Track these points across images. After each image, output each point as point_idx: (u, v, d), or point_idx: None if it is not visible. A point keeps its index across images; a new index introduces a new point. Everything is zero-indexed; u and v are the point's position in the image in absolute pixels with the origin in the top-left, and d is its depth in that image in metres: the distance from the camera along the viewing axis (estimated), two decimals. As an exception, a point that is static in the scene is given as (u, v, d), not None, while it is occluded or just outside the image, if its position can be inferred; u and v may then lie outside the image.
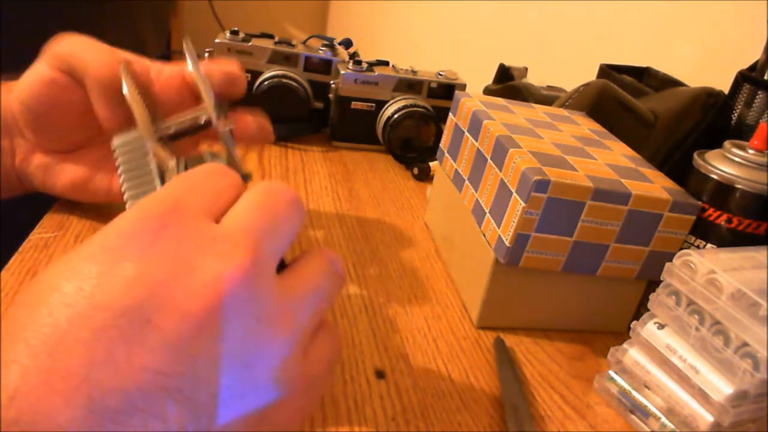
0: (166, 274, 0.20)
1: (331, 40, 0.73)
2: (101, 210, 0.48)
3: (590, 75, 0.66)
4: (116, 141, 0.32)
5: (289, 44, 0.70)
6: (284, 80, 0.68)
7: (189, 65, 0.36)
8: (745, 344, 0.32)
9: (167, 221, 0.21)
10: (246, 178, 0.36)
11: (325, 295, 0.25)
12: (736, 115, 0.53)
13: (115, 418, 0.17)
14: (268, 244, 0.22)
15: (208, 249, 0.21)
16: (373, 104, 0.71)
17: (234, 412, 0.20)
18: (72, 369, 0.17)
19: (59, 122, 0.42)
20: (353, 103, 0.70)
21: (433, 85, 0.71)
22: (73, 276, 0.19)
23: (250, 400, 0.20)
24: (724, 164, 0.41)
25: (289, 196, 0.25)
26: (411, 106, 0.69)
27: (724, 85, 0.55)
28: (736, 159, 0.41)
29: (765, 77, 0.51)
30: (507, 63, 0.76)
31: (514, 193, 0.40)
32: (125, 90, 0.36)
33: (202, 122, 0.34)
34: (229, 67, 0.40)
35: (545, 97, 0.67)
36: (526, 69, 0.76)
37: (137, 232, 0.20)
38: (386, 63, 0.72)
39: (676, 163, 0.55)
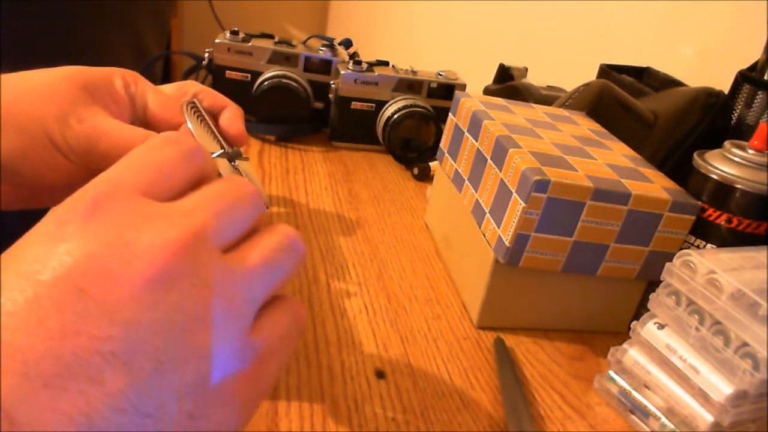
0: (98, 247, 0.20)
1: (331, 40, 0.73)
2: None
3: (590, 75, 0.66)
4: None
5: (289, 44, 0.70)
6: (284, 80, 0.68)
7: (189, 125, 0.40)
8: (745, 344, 0.32)
9: (100, 202, 0.22)
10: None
11: (280, 271, 0.25)
12: (736, 115, 0.53)
13: (51, 382, 0.18)
14: (214, 224, 0.23)
15: (143, 225, 0.21)
16: (373, 104, 0.71)
17: (176, 378, 0.20)
18: (6, 339, 0.18)
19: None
20: (353, 103, 0.70)
21: (433, 85, 0.71)
22: (13, 261, 0.20)
23: (192, 366, 0.21)
24: (724, 164, 0.41)
25: (249, 188, 0.25)
26: (411, 106, 0.69)
27: (724, 85, 0.55)
28: (736, 159, 0.41)
29: (765, 77, 0.51)
30: (507, 63, 0.76)
31: (514, 193, 0.40)
32: (190, 127, 0.40)
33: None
34: (237, 129, 0.45)
35: (545, 97, 0.67)
36: (526, 69, 0.76)
37: (70, 216, 0.21)
38: (386, 63, 0.72)
39: (676, 163, 0.55)
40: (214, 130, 0.44)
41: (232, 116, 0.46)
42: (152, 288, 0.20)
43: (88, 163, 0.37)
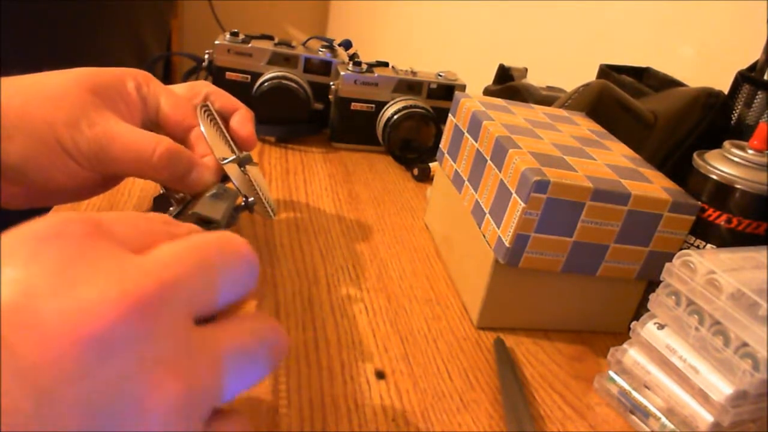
0: (43, 286, 0.16)
1: (330, 41, 0.73)
2: (103, 208, 0.48)
3: (590, 75, 0.66)
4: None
5: (289, 45, 0.70)
6: (284, 81, 0.68)
7: (202, 129, 0.40)
8: (745, 344, 0.32)
9: (63, 230, 0.18)
10: (249, 206, 0.40)
11: (252, 363, 0.20)
12: (735, 115, 0.53)
13: None
14: (190, 282, 0.19)
15: (105, 269, 0.17)
16: (373, 105, 0.71)
17: None
18: None
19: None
20: (353, 104, 0.70)
21: (433, 85, 0.71)
22: None
23: None
24: (724, 164, 0.41)
25: (243, 251, 0.21)
26: (411, 107, 0.69)
27: (724, 85, 0.55)
28: (736, 159, 0.41)
29: (765, 77, 0.51)
30: (507, 63, 0.76)
31: (514, 194, 0.40)
32: (203, 130, 0.41)
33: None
34: (247, 132, 0.45)
35: (545, 98, 0.67)
36: (526, 69, 0.76)
37: (25, 236, 0.18)
38: (386, 64, 0.72)
39: (676, 163, 0.55)
40: (226, 134, 0.44)
41: (242, 119, 0.45)
42: (86, 351, 0.16)
43: (99, 168, 0.37)
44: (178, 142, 0.39)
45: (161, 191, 0.42)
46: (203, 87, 0.45)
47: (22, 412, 0.15)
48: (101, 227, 0.19)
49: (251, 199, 0.41)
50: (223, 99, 0.45)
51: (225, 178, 0.41)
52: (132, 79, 0.40)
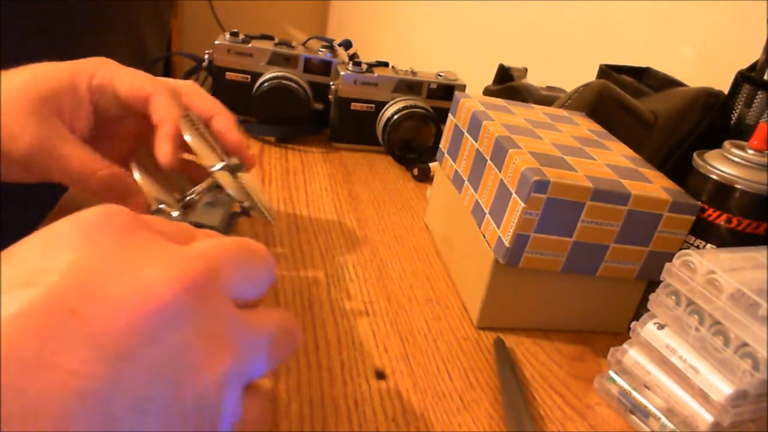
0: (104, 265, 0.18)
1: (330, 41, 0.73)
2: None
3: (590, 75, 0.66)
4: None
5: (289, 46, 0.70)
6: (284, 81, 0.68)
7: (187, 138, 0.39)
8: (745, 344, 0.32)
9: (117, 218, 0.20)
10: (245, 211, 0.40)
11: (275, 348, 0.23)
12: (735, 115, 0.53)
13: (8, 421, 0.15)
14: (227, 272, 0.21)
15: (159, 256, 0.19)
16: (373, 105, 0.71)
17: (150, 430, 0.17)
18: None
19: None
20: (353, 104, 0.70)
21: (433, 86, 0.71)
22: (6, 265, 0.18)
23: (177, 423, 0.18)
24: (724, 164, 0.41)
25: (263, 252, 0.24)
26: (411, 107, 0.69)
27: (724, 85, 0.55)
28: (736, 159, 0.41)
29: (765, 77, 0.51)
30: (506, 63, 0.76)
31: (514, 194, 0.40)
32: (188, 140, 0.39)
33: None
34: (237, 141, 0.44)
35: (545, 98, 0.67)
36: (526, 69, 0.76)
37: (80, 221, 0.19)
38: (386, 64, 0.73)
39: (676, 163, 0.55)
40: (212, 141, 0.43)
41: (226, 124, 0.44)
42: (154, 322, 0.18)
43: (42, 177, 0.38)
44: (143, 116, 0.39)
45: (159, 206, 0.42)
46: (186, 87, 0.44)
47: (97, 377, 0.16)
48: (141, 219, 0.21)
49: (246, 203, 0.41)
50: (199, 100, 0.44)
51: (219, 186, 0.40)
52: (85, 75, 0.39)
